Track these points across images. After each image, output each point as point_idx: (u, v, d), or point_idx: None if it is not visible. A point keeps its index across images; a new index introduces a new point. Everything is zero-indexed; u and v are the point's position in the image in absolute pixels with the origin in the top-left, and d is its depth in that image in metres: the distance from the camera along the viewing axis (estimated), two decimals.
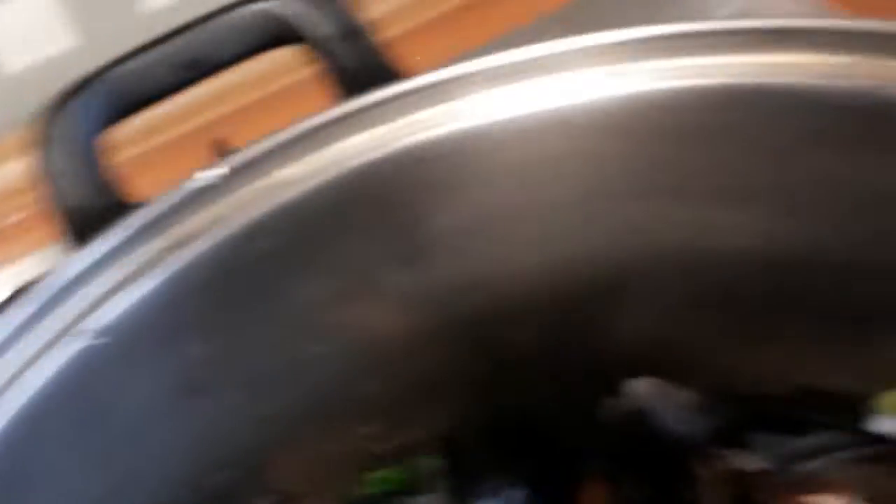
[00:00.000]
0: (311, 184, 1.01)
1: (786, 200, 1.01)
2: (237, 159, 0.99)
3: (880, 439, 1.00)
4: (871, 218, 0.99)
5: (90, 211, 1.03)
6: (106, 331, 0.94)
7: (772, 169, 1.00)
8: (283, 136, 1.00)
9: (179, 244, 0.97)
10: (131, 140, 1.49)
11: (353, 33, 1.10)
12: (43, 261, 1.52)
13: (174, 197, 0.97)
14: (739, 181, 1.01)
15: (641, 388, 1.09)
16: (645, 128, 1.01)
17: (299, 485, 1.14)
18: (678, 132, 1.01)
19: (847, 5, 1.60)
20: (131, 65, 1.07)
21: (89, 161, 1.03)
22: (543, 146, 1.03)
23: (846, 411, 1.05)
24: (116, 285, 0.95)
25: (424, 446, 1.17)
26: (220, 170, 0.98)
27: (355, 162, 1.02)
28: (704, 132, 1.00)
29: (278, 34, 1.11)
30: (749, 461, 1.02)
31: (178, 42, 1.08)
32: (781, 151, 0.99)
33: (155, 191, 0.99)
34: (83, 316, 0.93)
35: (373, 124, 1.02)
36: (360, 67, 1.08)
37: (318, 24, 1.12)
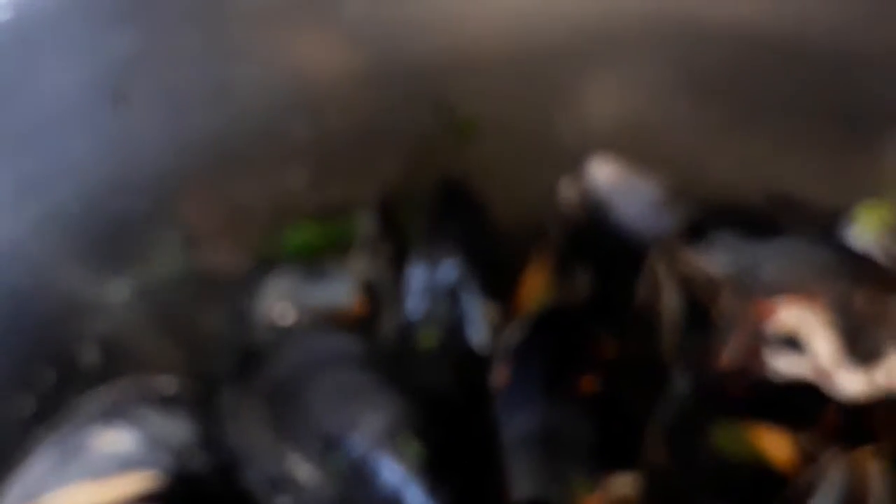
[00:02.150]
0: None
1: None
2: None
3: (856, 255, 0.93)
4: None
5: None
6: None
7: None
8: None
9: None
10: None
11: None
12: None
13: None
14: None
15: (603, 174, 1.00)
16: None
17: (215, 226, 1.05)
18: None
19: None
20: None
21: None
22: None
23: (822, 223, 0.96)
24: None
25: (356, 206, 1.06)
26: None
27: None
28: None
29: None
30: (711, 263, 0.94)
31: None
32: None
33: None
34: None
35: None
36: None
37: None
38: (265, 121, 1.07)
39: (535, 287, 1.06)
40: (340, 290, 1.13)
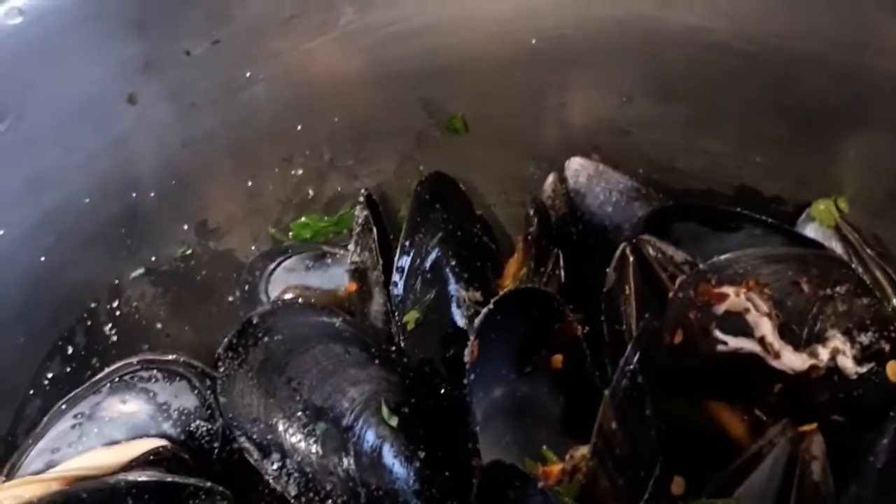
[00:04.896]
0: None
1: None
2: None
3: (809, 245, 0.98)
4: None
5: None
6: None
7: None
8: None
9: None
10: None
11: None
12: None
13: None
14: None
15: (577, 164, 1.06)
16: None
17: (226, 216, 1.12)
18: None
19: None
20: None
21: None
22: None
23: (781, 216, 1.00)
24: None
25: (355, 198, 1.11)
26: None
27: None
28: None
29: None
30: (674, 250, 0.99)
31: None
32: None
33: None
34: None
35: None
36: None
37: None
38: (269, 120, 1.14)
39: (516, 272, 1.12)
40: (336, 275, 1.20)
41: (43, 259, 1.05)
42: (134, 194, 1.10)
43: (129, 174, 1.07)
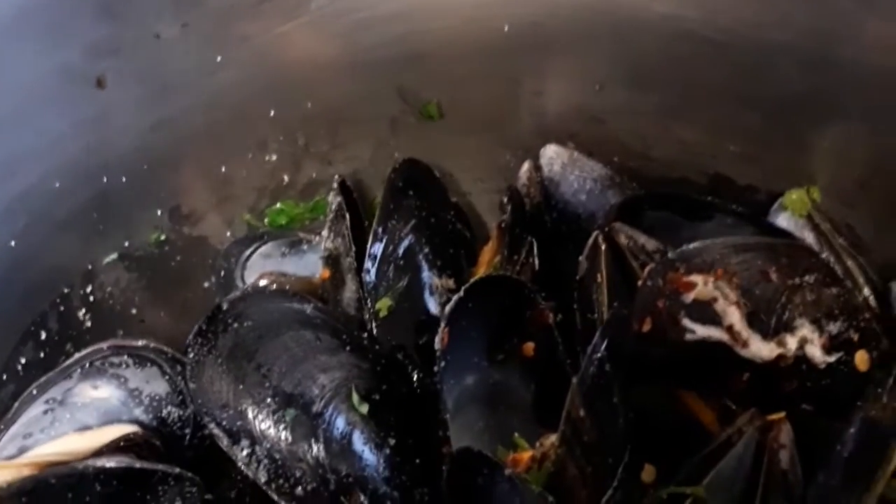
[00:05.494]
0: None
1: None
2: None
3: (779, 235, 0.98)
4: None
5: None
6: None
7: None
8: None
9: None
10: None
11: None
12: None
13: None
14: None
15: (552, 151, 1.06)
16: None
17: (199, 201, 1.11)
18: None
19: None
20: None
21: None
22: None
23: (753, 205, 1.01)
24: None
25: (329, 185, 1.11)
26: None
27: None
28: None
29: None
30: (647, 238, 0.99)
31: None
32: None
33: None
34: None
35: None
36: None
37: None
38: (242, 105, 1.13)
39: (490, 260, 1.12)
40: (311, 261, 1.20)
41: (13, 244, 1.04)
42: (105, 178, 1.09)
43: (99, 158, 1.07)
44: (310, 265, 1.18)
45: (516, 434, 0.96)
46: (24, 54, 0.97)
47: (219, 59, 1.07)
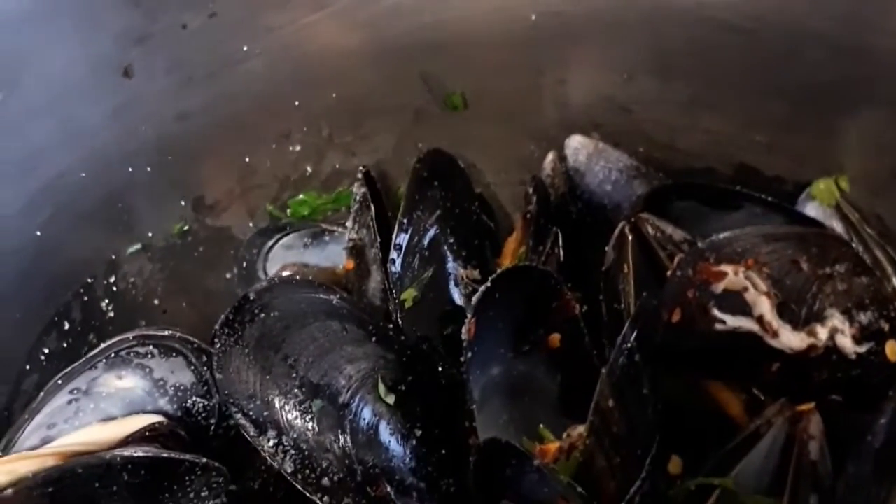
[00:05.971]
0: None
1: None
2: None
3: (808, 224, 0.97)
4: None
5: None
6: None
7: None
8: None
9: None
10: None
11: None
12: None
13: None
14: None
15: (576, 142, 1.05)
16: None
17: (224, 192, 1.11)
18: None
19: None
20: None
21: None
22: None
23: (783, 194, 1.00)
24: None
25: (353, 175, 1.11)
26: None
27: None
28: None
29: None
30: (673, 228, 0.99)
31: None
32: None
33: None
34: None
35: None
36: None
37: None
38: (267, 95, 1.13)
39: (515, 250, 1.11)
40: (333, 252, 1.20)
41: (39, 234, 1.04)
42: (130, 169, 1.09)
43: (124, 148, 1.07)
44: (332, 256, 1.18)
45: (541, 425, 0.95)
46: (53, 45, 0.97)
47: (245, 49, 1.07)
